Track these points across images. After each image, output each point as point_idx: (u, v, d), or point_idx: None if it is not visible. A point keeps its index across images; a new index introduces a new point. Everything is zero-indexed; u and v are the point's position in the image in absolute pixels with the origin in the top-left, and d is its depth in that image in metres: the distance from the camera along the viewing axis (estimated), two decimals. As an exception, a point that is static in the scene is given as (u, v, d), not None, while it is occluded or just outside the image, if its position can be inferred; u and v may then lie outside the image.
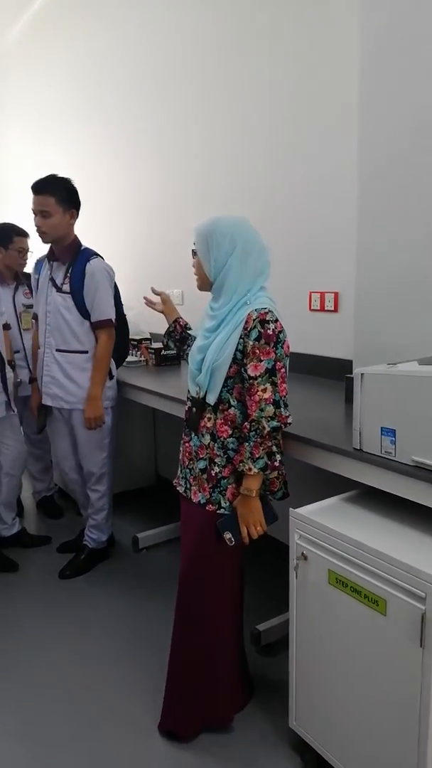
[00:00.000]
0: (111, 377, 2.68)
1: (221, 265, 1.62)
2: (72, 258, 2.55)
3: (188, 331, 2.02)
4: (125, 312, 2.89)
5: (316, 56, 2.48)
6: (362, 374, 1.55)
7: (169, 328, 2.05)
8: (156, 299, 2.09)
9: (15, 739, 1.83)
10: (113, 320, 2.59)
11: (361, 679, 1.45)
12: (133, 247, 4.08)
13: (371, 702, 1.43)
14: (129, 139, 3.96)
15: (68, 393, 2.60)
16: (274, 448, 1.62)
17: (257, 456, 1.57)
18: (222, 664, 1.79)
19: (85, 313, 2.54)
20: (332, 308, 2.54)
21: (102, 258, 2.60)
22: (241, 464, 1.60)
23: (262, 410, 1.56)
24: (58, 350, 2.58)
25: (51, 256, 2.59)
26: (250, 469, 1.58)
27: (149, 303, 2.11)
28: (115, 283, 2.68)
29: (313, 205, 2.59)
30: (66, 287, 2.53)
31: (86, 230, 4.54)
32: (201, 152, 3.28)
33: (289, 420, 1.60)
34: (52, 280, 2.56)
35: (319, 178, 2.54)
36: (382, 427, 1.50)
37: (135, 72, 3.80)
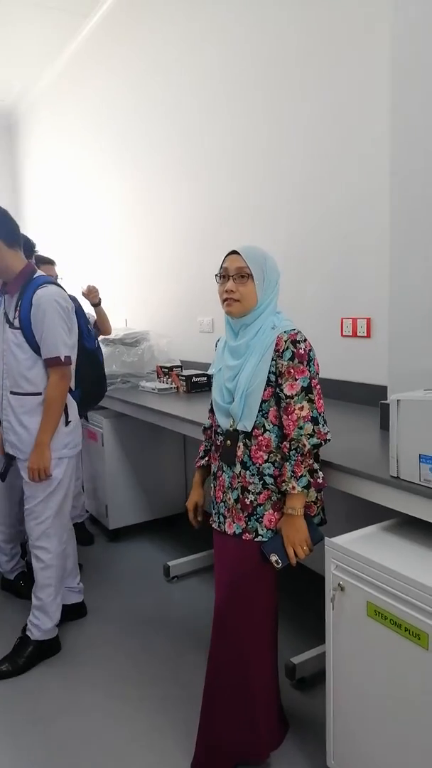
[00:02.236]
0: (68, 422, 2.33)
1: (270, 293, 1.67)
2: (22, 288, 2.26)
3: (208, 444, 1.95)
4: (97, 344, 2.70)
5: (350, 81, 2.51)
6: (398, 400, 1.53)
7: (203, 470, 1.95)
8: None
9: (46, 771, 1.80)
10: (62, 358, 2.22)
11: (403, 717, 1.39)
12: (165, 277, 4.14)
13: (414, 741, 1.37)
14: (161, 172, 4.06)
15: (21, 441, 2.29)
16: (316, 465, 1.62)
17: (299, 474, 1.57)
18: (258, 699, 1.74)
19: (38, 349, 2.24)
20: (365, 334, 2.52)
21: (58, 285, 2.31)
22: (284, 484, 1.59)
23: (301, 428, 1.57)
24: (12, 393, 2.30)
25: (2, 289, 2.33)
26: (293, 488, 1.57)
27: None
28: (84, 314, 2.43)
29: (343, 231, 2.60)
30: (17, 322, 2.25)
31: (119, 262, 4.65)
32: (233, 181, 3.34)
33: (328, 436, 1.60)
34: (6, 315, 2.31)
35: (350, 204, 2.55)
36: (421, 455, 1.47)
37: (165, 110, 3.90)
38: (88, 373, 2.49)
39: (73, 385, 2.36)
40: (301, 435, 1.57)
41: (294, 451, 1.57)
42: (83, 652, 2.41)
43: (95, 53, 4.83)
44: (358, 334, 2.56)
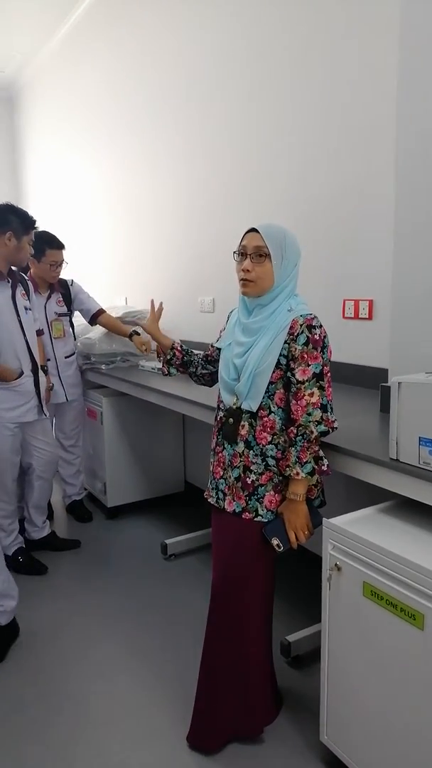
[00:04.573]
0: None
1: (287, 274, 1.63)
2: None
3: (189, 356, 1.97)
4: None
5: (355, 60, 2.46)
6: (399, 383, 1.53)
7: (166, 356, 1.98)
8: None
9: (42, 750, 1.83)
10: None
11: (397, 695, 1.41)
12: (166, 256, 4.10)
13: (406, 719, 1.39)
14: (161, 150, 4.00)
15: None
16: (321, 453, 1.61)
17: (305, 460, 1.57)
18: (253, 675, 1.77)
19: None
20: (366, 316, 2.51)
21: None
22: (287, 469, 1.59)
23: (309, 414, 1.56)
24: None
25: None
26: (297, 474, 1.57)
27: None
28: None
29: (346, 212, 2.57)
30: None
31: (120, 240, 4.61)
32: (233, 159, 3.29)
33: (336, 425, 1.59)
34: None
35: (353, 183, 2.51)
36: (420, 437, 1.46)
37: (166, 86, 3.83)
38: None
39: None
40: (310, 421, 1.56)
41: (301, 437, 1.56)
42: (81, 628, 2.44)
43: (96, 25, 4.72)
44: (360, 316, 2.54)
